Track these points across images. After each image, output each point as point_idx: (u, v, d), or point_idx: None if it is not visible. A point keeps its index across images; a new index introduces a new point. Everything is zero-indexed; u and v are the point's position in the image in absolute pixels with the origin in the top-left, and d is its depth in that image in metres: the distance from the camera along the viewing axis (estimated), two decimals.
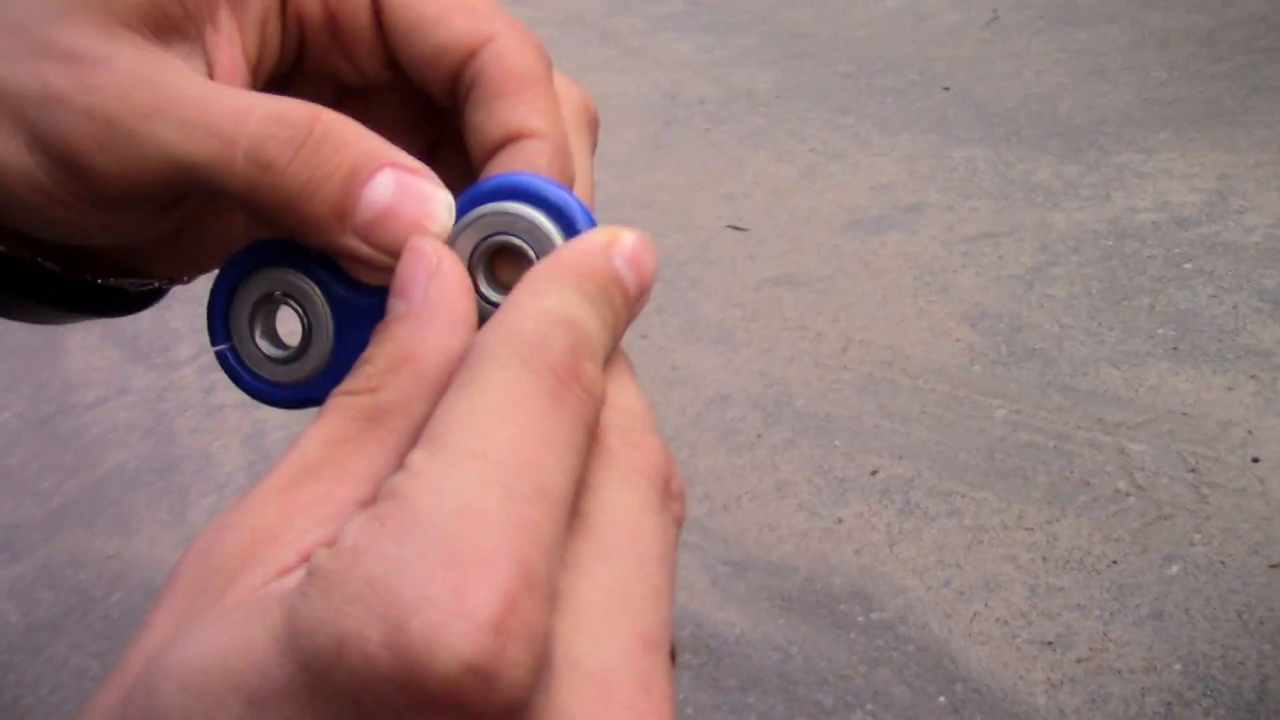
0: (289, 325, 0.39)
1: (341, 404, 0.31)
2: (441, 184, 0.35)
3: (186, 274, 0.44)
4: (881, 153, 3.71)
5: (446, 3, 0.38)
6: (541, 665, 0.25)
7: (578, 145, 0.40)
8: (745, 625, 2.06)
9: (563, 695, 0.26)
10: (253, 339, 0.38)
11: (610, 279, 0.33)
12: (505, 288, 0.35)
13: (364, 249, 0.34)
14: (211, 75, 0.36)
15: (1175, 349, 2.51)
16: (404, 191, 0.34)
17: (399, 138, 0.36)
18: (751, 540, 2.25)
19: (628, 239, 0.33)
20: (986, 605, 1.99)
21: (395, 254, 0.34)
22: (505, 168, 0.36)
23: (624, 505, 0.30)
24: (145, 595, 2.39)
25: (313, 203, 0.34)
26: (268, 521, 0.29)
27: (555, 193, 0.35)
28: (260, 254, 0.37)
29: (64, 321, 0.43)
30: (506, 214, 0.35)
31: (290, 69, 0.41)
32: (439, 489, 0.25)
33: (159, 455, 2.87)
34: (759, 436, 2.52)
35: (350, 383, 0.32)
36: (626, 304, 0.33)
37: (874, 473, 2.34)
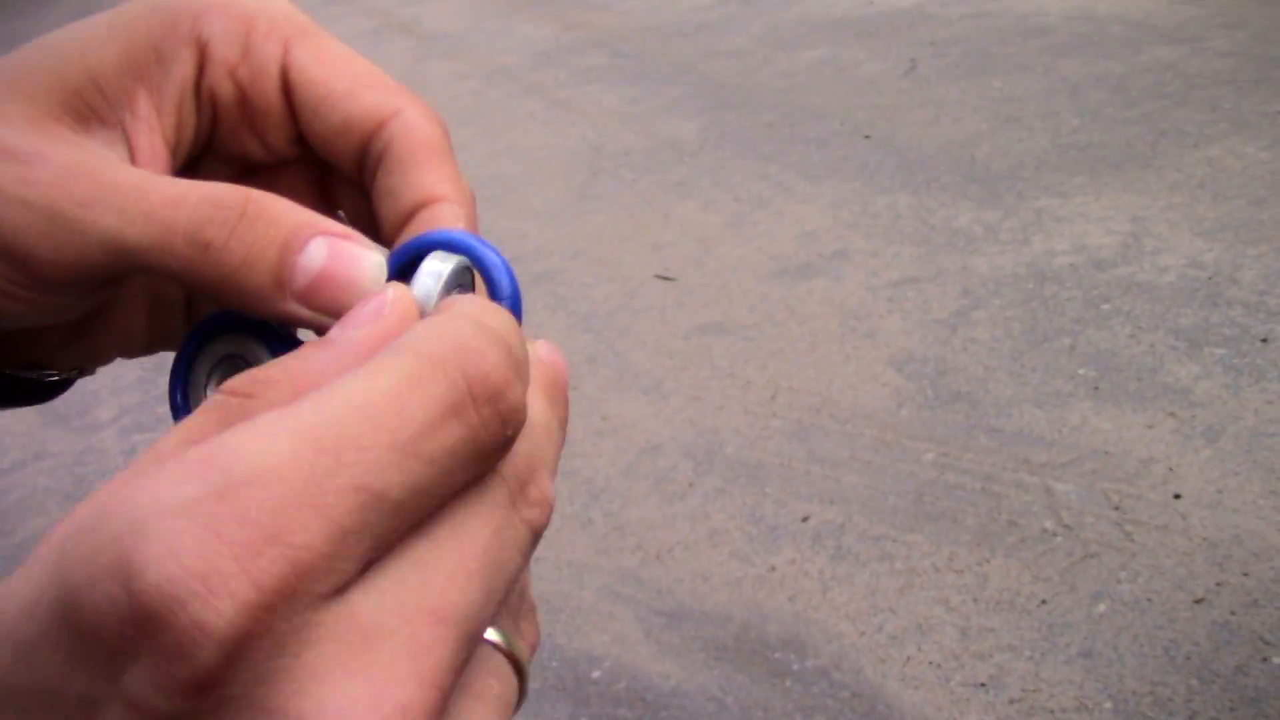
0: None
1: (214, 403, 0.30)
2: (373, 245, 0.36)
3: (88, 364, 0.44)
4: (806, 201, 3.76)
5: (355, 79, 0.40)
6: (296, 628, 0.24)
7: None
8: (681, 676, 2.05)
9: (326, 647, 0.25)
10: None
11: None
12: None
13: (305, 312, 0.35)
14: (133, 161, 0.38)
15: (1096, 389, 2.56)
16: (336, 255, 0.35)
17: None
18: (685, 590, 2.24)
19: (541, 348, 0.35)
20: (919, 649, 2.00)
21: (334, 314, 0.35)
22: (427, 228, 0.38)
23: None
24: None
25: (252, 275, 0.35)
26: None
27: (488, 253, 0.36)
28: (219, 322, 0.39)
29: None
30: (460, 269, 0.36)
31: (201, 151, 0.42)
32: (241, 447, 0.25)
33: None
34: (690, 485, 2.52)
35: (234, 380, 0.31)
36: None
37: (805, 519, 2.35)
